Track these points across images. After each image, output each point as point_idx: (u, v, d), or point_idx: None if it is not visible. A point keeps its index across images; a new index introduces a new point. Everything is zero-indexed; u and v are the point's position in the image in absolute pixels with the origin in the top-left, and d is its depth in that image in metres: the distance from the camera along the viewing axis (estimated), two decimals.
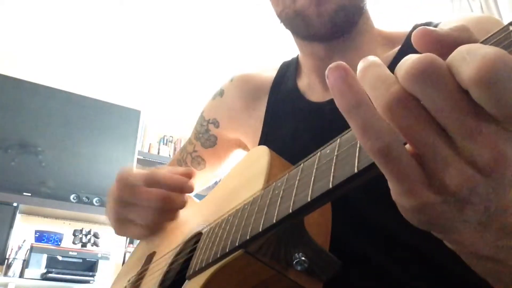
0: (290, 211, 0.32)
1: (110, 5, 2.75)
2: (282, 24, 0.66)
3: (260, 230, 0.35)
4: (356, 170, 0.26)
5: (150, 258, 0.68)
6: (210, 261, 0.40)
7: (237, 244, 0.37)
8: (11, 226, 2.51)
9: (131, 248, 2.83)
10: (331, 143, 0.32)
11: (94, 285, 2.45)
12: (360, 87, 0.23)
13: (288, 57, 0.79)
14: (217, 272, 0.39)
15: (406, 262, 0.50)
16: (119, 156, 2.87)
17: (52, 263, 2.43)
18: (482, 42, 0.22)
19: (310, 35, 0.62)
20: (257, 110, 0.75)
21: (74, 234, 2.66)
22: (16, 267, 2.41)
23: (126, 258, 2.81)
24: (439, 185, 0.22)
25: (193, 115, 1.14)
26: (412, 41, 0.24)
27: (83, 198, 2.71)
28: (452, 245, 0.27)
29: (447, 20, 0.62)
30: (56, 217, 2.80)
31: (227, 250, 0.38)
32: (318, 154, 0.33)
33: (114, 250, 2.76)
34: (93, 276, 2.47)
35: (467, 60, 0.20)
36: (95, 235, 2.71)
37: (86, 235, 2.67)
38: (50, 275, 2.35)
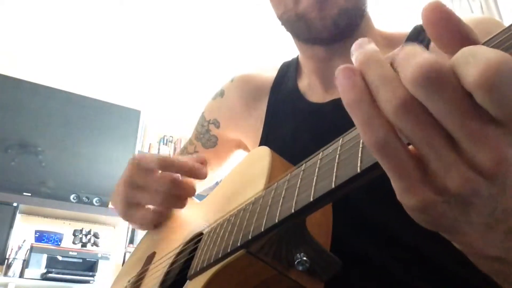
0: (293, 211, 0.32)
1: (110, 5, 2.75)
2: (282, 26, 0.66)
3: (262, 230, 0.35)
4: (359, 170, 0.26)
5: (150, 258, 0.68)
6: (212, 261, 0.40)
7: (239, 244, 0.37)
8: (11, 226, 2.52)
9: (131, 248, 2.83)
10: (333, 143, 0.32)
11: (94, 285, 2.45)
12: (364, 83, 0.24)
13: (288, 58, 0.79)
14: (218, 272, 0.38)
15: (407, 262, 0.50)
16: (119, 156, 2.86)
17: (52, 263, 2.44)
18: (484, 44, 0.22)
19: (311, 38, 0.62)
20: (258, 110, 0.75)
21: (74, 234, 2.67)
22: (16, 267, 2.41)
23: (126, 258, 2.80)
24: (440, 186, 0.23)
25: (193, 115, 1.14)
26: (423, 15, 0.23)
27: (83, 198, 2.71)
28: (459, 246, 0.27)
29: None
30: (56, 217, 2.80)
31: (229, 250, 0.38)
32: (320, 154, 0.33)
33: (114, 250, 2.76)
34: (93, 276, 2.48)
35: (471, 63, 0.20)
36: (95, 235, 2.71)
37: (86, 235, 2.67)
38: (50, 275, 2.35)
